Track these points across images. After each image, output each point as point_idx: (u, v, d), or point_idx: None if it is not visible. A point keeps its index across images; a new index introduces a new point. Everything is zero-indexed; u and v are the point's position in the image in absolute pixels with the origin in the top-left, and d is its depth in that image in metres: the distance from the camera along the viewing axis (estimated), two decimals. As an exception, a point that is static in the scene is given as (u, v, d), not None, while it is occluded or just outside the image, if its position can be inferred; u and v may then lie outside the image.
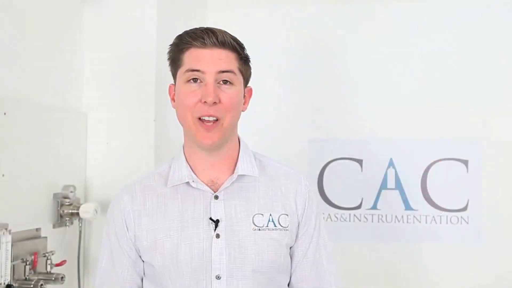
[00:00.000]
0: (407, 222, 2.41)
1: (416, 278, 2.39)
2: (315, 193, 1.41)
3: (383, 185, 2.43)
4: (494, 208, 2.36)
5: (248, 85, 1.39)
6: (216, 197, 1.31)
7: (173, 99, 1.36)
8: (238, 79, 1.31)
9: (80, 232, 2.05)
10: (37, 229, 1.85)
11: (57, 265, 1.87)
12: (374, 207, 2.44)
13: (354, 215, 2.44)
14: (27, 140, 1.82)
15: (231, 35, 1.32)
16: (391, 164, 2.43)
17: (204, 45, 1.28)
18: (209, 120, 1.27)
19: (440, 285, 2.38)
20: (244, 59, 1.33)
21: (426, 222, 2.40)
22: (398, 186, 2.43)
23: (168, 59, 1.36)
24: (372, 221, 2.43)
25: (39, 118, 1.88)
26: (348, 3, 2.47)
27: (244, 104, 1.37)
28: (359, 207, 2.45)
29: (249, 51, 1.35)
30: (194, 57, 1.29)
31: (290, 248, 1.36)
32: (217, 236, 1.29)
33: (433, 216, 2.40)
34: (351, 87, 2.47)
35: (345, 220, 2.45)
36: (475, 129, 2.38)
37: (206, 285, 1.28)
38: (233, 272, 1.28)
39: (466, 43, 2.40)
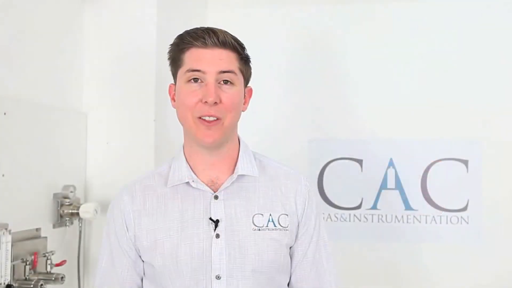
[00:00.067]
0: (407, 222, 2.41)
1: (416, 278, 2.39)
2: (315, 193, 1.41)
3: (383, 185, 2.43)
4: (494, 208, 2.36)
5: (248, 85, 1.39)
6: (216, 197, 1.31)
7: (173, 99, 1.36)
8: (239, 79, 1.31)
9: (80, 232, 2.05)
10: (37, 229, 1.85)
11: (57, 265, 1.87)
12: (374, 207, 2.44)
13: (354, 215, 2.44)
14: (27, 140, 1.82)
15: (231, 35, 1.32)
16: (391, 164, 2.43)
17: (205, 45, 1.28)
18: (209, 120, 1.27)
19: (440, 285, 2.38)
20: (244, 59, 1.33)
21: (426, 222, 2.40)
22: (398, 186, 2.43)
23: (169, 59, 1.36)
24: (372, 221, 2.43)
25: (39, 118, 1.88)
26: (348, 3, 2.47)
27: (244, 104, 1.36)
28: (359, 207, 2.44)
29: (249, 51, 1.35)
30: (195, 57, 1.28)
31: (290, 248, 1.36)
32: (217, 236, 1.29)
33: (433, 216, 2.40)
34: (351, 87, 2.47)
35: (345, 220, 2.45)
36: (475, 129, 2.38)
37: (206, 285, 1.27)
38: (233, 272, 1.28)
39: (466, 43, 2.40)
